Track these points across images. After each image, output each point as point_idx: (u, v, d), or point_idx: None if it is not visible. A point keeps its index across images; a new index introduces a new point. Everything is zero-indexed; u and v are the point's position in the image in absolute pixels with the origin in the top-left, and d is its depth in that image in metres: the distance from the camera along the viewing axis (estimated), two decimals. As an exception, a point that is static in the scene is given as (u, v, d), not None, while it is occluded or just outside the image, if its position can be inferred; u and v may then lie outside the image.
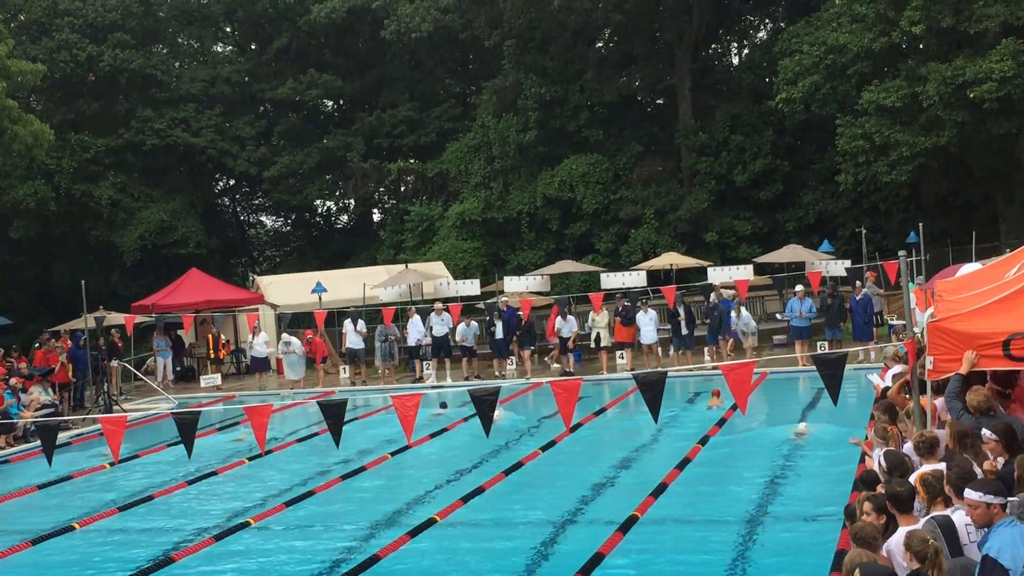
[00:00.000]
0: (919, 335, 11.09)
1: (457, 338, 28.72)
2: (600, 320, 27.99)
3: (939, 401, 10.37)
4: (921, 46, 33.93)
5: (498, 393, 11.39)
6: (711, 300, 27.39)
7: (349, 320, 29.41)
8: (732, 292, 28.52)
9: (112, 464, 17.79)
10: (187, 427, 12.09)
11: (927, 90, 31.54)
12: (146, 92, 49.87)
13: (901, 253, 10.90)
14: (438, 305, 29.09)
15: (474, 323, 28.88)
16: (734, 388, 10.62)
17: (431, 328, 28.78)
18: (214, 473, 17.54)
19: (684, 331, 26.98)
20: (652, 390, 10.64)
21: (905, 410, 11.05)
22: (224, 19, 56.02)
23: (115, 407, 25.72)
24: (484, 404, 11.11)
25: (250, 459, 17.93)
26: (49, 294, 47.55)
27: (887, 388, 13.32)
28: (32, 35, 47.09)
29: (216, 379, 30.19)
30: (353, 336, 29.30)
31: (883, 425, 11.21)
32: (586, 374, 26.55)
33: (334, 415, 11.59)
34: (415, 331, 29.10)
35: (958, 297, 10.65)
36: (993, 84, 30.10)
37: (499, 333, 28.13)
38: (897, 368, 13.50)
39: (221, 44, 60.02)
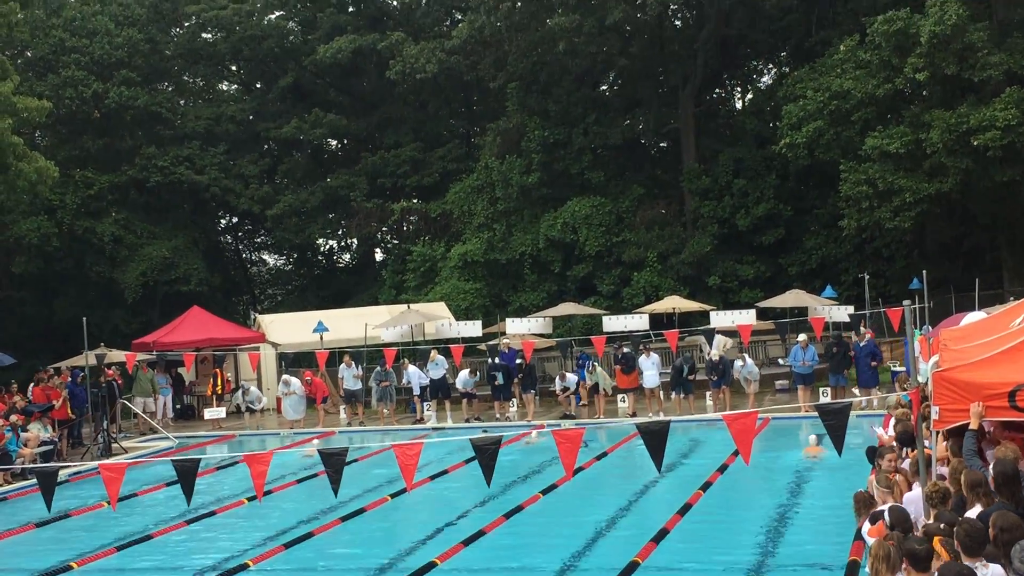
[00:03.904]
0: (924, 384, 11.03)
1: (459, 387, 28.57)
2: (596, 375, 27.77)
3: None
4: (925, 93, 34.07)
5: (499, 442, 11.25)
6: (714, 356, 26.85)
7: (344, 364, 29.30)
8: (730, 342, 28.42)
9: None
10: (187, 473, 11.90)
11: (931, 137, 31.64)
12: (151, 129, 50.01)
13: (906, 302, 10.82)
14: (433, 353, 29.04)
15: (477, 372, 28.82)
16: (737, 438, 10.49)
17: (428, 372, 28.76)
18: (213, 513, 17.44)
19: (686, 374, 26.73)
20: (655, 439, 10.54)
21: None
22: (230, 58, 56.25)
23: (114, 445, 25.63)
24: (486, 453, 10.99)
25: (249, 499, 17.81)
26: (50, 330, 47.39)
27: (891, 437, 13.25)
28: (38, 72, 47.22)
29: (221, 412, 30.01)
30: (350, 378, 29.22)
31: (885, 474, 11.13)
32: (589, 418, 26.54)
33: (334, 464, 11.39)
34: (416, 379, 29.03)
35: (964, 347, 10.59)
36: (997, 132, 30.22)
37: (499, 380, 28.00)
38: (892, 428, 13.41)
39: (226, 83, 60.29)
